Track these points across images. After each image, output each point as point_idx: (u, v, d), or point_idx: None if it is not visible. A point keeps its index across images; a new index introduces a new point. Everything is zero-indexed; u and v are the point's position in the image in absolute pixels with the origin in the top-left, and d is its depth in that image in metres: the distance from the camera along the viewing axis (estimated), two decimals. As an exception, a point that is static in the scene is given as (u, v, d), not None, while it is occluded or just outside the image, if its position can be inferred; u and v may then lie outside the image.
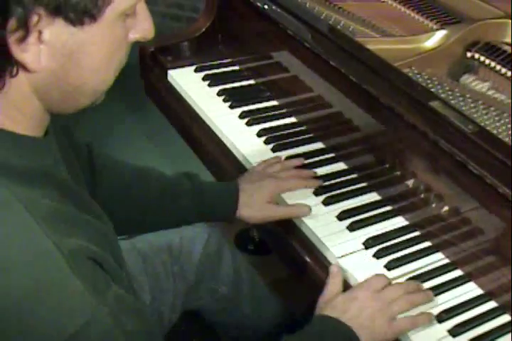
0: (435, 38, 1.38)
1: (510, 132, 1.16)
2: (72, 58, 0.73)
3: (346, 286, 1.06)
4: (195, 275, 1.32)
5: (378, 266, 1.09)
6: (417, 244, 1.14)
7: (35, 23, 0.68)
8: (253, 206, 1.20)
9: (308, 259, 1.14)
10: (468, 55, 1.39)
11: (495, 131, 1.15)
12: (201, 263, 1.33)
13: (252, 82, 1.56)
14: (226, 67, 1.61)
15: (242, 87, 1.54)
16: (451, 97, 1.23)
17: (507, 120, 1.19)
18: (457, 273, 1.09)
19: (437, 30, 1.41)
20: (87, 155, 1.13)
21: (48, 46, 0.71)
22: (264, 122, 1.41)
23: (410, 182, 1.16)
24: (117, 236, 0.91)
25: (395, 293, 1.01)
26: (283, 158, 1.31)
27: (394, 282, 1.05)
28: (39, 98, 0.76)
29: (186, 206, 1.19)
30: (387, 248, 1.12)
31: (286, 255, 1.24)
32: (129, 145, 2.68)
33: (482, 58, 1.36)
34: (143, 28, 0.78)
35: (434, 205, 1.12)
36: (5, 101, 0.74)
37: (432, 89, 1.25)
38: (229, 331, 1.42)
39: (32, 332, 0.68)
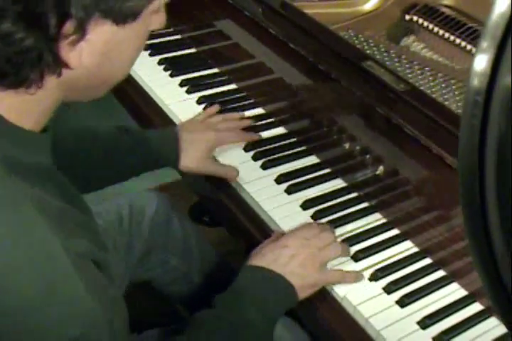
0: (372, 1, 1.37)
1: (443, 91, 1.17)
2: (108, 56, 0.73)
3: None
4: (144, 246, 1.32)
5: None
6: (354, 205, 1.15)
7: (92, 27, 0.68)
8: (190, 156, 1.20)
9: (248, 226, 1.15)
10: (407, 17, 1.39)
11: (429, 91, 1.16)
12: (151, 234, 1.33)
13: (193, 50, 1.55)
14: (167, 36, 1.59)
15: (182, 55, 1.53)
16: (386, 59, 1.24)
17: (441, 80, 1.19)
18: (394, 232, 1.10)
19: (375, -8, 1.41)
20: None
21: (90, 45, 0.70)
22: (205, 89, 1.41)
23: (347, 145, 1.17)
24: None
25: (324, 241, 1.02)
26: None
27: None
28: (62, 90, 0.74)
29: (132, 161, 1.18)
30: (325, 209, 1.13)
31: (227, 221, 1.24)
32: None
33: (420, 21, 1.37)
34: (162, 21, 0.79)
35: (370, 166, 1.13)
36: (26, 96, 0.71)
37: (368, 51, 1.25)
38: (181, 300, 1.42)
39: (34, 333, 0.67)
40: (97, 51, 0.71)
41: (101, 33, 0.70)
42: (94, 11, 0.67)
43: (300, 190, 1.16)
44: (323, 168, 1.22)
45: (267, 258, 0.99)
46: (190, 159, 1.20)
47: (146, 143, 1.19)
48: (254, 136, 1.27)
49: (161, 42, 1.57)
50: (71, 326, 0.68)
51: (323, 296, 1.01)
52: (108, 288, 0.75)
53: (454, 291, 1.01)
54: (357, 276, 1.01)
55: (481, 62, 0.35)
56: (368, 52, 1.24)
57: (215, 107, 1.33)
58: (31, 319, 0.66)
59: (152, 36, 1.56)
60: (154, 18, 0.77)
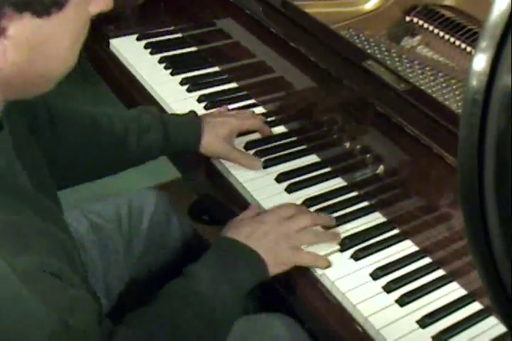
0: (373, 0, 1.38)
1: (444, 91, 1.17)
2: (39, 49, 0.70)
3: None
4: (143, 244, 1.32)
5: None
6: (354, 204, 1.15)
7: (10, 22, 0.65)
8: (212, 138, 1.20)
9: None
10: (407, 19, 1.39)
11: (429, 90, 1.16)
12: (149, 232, 1.33)
13: (193, 49, 1.55)
14: (168, 34, 1.59)
15: (183, 54, 1.53)
16: (387, 58, 1.24)
17: (441, 79, 1.19)
18: (394, 231, 1.10)
19: (375, -8, 1.41)
20: (46, 114, 1.08)
21: (13, 41, 0.67)
22: (205, 88, 1.41)
23: (347, 144, 1.17)
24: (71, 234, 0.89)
25: (302, 222, 1.03)
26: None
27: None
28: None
29: (152, 140, 1.17)
30: (324, 208, 1.13)
31: (227, 219, 1.24)
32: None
33: (421, 22, 1.37)
34: (106, 2, 0.75)
35: (370, 165, 1.13)
36: None
37: (368, 50, 1.25)
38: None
39: None
40: (22, 47, 0.68)
41: (22, 27, 0.67)
42: (3, 5, 0.64)
43: (300, 189, 1.16)
44: (324, 167, 1.22)
45: (243, 231, 1.01)
46: (213, 141, 1.20)
47: (167, 122, 1.18)
48: (268, 129, 1.28)
49: (161, 41, 1.57)
50: (33, 337, 0.69)
51: (323, 295, 1.01)
52: (66, 291, 0.74)
53: (454, 290, 1.01)
54: (328, 262, 1.03)
55: (480, 62, 0.35)
56: (368, 51, 1.25)
57: (225, 108, 1.34)
58: None
59: (153, 35, 1.57)
60: (95, 1, 0.73)
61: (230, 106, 1.35)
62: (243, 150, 1.25)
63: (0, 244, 0.68)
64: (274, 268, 1.00)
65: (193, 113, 1.25)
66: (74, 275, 0.78)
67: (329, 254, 1.04)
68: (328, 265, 1.02)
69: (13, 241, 0.70)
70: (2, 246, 0.68)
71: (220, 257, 0.98)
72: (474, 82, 0.36)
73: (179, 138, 1.20)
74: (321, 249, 1.04)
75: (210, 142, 1.20)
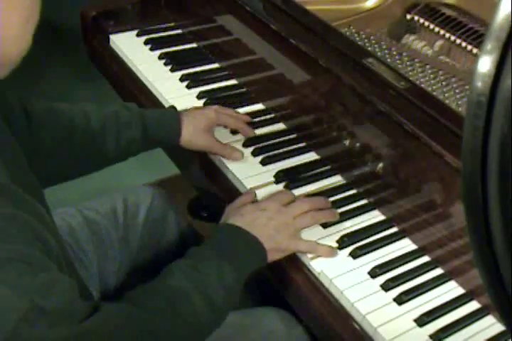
0: (374, -2, 1.38)
1: (444, 89, 1.17)
2: None
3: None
4: (139, 240, 1.32)
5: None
6: (353, 202, 1.15)
7: None
8: (192, 130, 1.20)
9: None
10: (408, 17, 1.39)
11: (429, 88, 1.16)
12: (145, 228, 1.32)
13: (193, 45, 1.55)
14: (168, 30, 1.59)
15: (183, 50, 1.53)
16: (387, 56, 1.24)
17: (442, 78, 1.19)
18: (393, 229, 1.10)
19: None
20: (22, 112, 1.07)
21: None
22: (205, 85, 1.41)
23: (347, 142, 1.17)
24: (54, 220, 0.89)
25: (300, 208, 1.05)
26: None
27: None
28: None
29: (131, 136, 1.17)
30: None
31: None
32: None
33: (422, 20, 1.37)
34: None
35: (369, 163, 1.13)
36: None
37: (369, 48, 1.25)
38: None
39: None
40: None
41: None
42: None
43: (299, 187, 1.16)
44: (323, 165, 1.22)
45: (245, 218, 1.02)
46: (193, 134, 1.20)
47: (146, 117, 1.18)
48: (250, 130, 1.27)
49: (161, 37, 1.57)
50: (4, 321, 0.68)
51: (321, 293, 1.01)
52: (38, 276, 0.73)
53: (452, 289, 1.01)
54: (331, 251, 1.04)
55: (485, 64, 0.35)
56: (369, 49, 1.24)
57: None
58: None
59: (153, 30, 1.57)
60: None
61: (230, 104, 1.35)
62: (240, 147, 1.24)
63: None
64: (273, 255, 1.01)
65: (172, 107, 1.25)
66: (47, 261, 0.77)
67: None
68: (330, 251, 1.03)
69: None
70: None
71: (223, 241, 0.99)
72: (479, 84, 0.36)
73: (158, 133, 1.19)
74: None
75: (191, 135, 1.20)
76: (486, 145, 0.36)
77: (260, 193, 1.13)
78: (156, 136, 1.19)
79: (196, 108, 1.27)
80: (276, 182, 1.17)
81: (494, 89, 0.35)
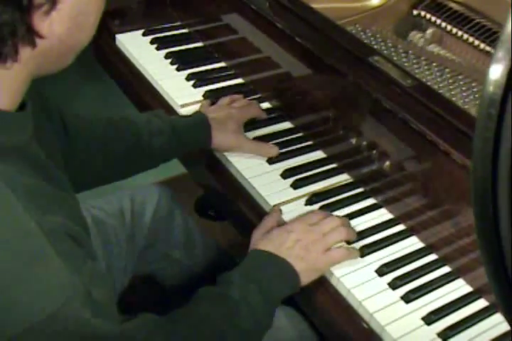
0: (380, -4, 1.37)
1: (450, 87, 1.16)
2: (76, 20, 0.72)
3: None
4: (146, 239, 1.32)
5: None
6: (360, 200, 1.15)
7: None
8: (225, 132, 1.21)
9: (254, 220, 1.14)
10: (415, 12, 1.38)
11: (436, 86, 1.16)
12: (152, 227, 1.33)
13: (199, 44, 1.55)
14: (174, 30, 1.59)
15: (189, 49, 1.53)
16: (393, 54, 1.23)
17: (448, 75, 1.19)
18: (400, 227, 1.10)
19: (382, -13, 1.40)
20: (60, 120, 1.08)
21: (60, 13, 0.70)
22: (211, 83, 1.41)
23: (354, 140, 1.16)
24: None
25: (329, 226, 1.03)
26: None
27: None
28: (36, 63, 0.73)
29: (163, 143, 1.17)
30: (330, 204, 1.13)
31: (232, 215, 1.24)
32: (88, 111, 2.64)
33: (428, 16, 1.36)
34: None
35: (376, 162, 1.13)
36: (1, 71, 0.71)
37: (375, 46, 1.24)
38: (182, 294, 1.42)
39: (8, 310, 0.66)
40: (66, 17, 0.71)
41: None
42: None
43: (306, 185, 1.16)
44: (330, 163, 1.21)
45: (273, 242, 1.00)
46: (225, 137, 1.21)
47: (175, 125, 1.19)
48: (263, 113, 1.30)
49: (168, 36, 1.57)
50: (48, 302, 0.67)
51: (328, 290, 1.01)
52: (86, 260, 0.74)
53: (459, 287, 1.01)
54: (357, 252, 1.04)
55: (496, 72, 0.35)
56: (375, 47, 1.24)
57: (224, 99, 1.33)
58: (9, 296, 0.66)
59: (159, 30, 1.57)
60: None
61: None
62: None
63: (26, 203, 0.68)
64: (309, 276, 1.00)
65: (198, 112, 1.25)
66: (90, 242, 0.79)
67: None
68: (357, 253, 1.03)
69: (36, 202, 0.71)
70: (28, 205, 0.68)
71: (254, 268, 0.98)
72: (490, 93, 0.35)
73: (190, 139, 1.20)
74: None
75: (222, 137, 1.21)
76: (497, 154, 0.35)
77: (268, 191, 1.14)
78: (188, 142, 1.20)
79: (218, 109, 1.27)
80: (284, 179, 1.17)
81: (505, 98, 0.34)
